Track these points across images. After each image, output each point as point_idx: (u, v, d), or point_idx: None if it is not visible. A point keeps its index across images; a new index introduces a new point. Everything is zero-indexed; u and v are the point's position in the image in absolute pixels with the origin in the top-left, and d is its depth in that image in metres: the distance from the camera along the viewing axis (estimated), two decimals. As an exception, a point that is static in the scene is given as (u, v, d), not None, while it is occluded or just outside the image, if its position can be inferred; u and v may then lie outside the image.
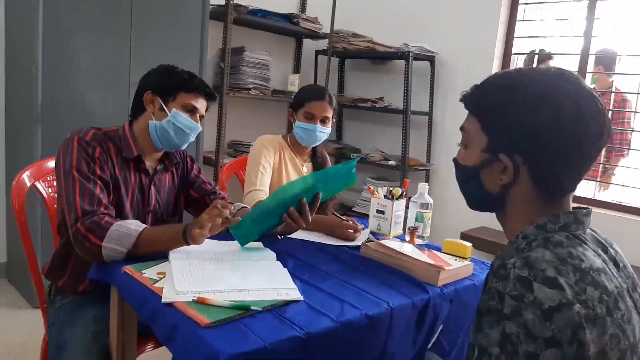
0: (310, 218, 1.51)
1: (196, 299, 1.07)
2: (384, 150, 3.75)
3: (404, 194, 1.82)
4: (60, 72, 2.48)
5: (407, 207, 1.83)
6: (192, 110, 1.53)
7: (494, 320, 0.73)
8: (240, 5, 3.22)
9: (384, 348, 1.20)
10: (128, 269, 1.23)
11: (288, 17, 3.53)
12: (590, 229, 0.88)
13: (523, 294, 0.71)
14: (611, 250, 0.86)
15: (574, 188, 0.86)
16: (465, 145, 0.91)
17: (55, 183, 1.67)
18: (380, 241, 1.55)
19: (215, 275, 1.21)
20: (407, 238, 1.71)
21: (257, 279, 1.22)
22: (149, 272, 1.21)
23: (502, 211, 0.90)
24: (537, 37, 3.38)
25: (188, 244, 1.34)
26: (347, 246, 1.62)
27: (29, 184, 1.60)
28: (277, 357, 0.97)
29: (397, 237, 1.78)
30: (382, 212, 1.79)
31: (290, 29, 3.58)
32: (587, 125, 0.79)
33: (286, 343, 0.99)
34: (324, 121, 1.92)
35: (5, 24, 2.68)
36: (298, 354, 1.00)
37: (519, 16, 3.34)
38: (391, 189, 1.81)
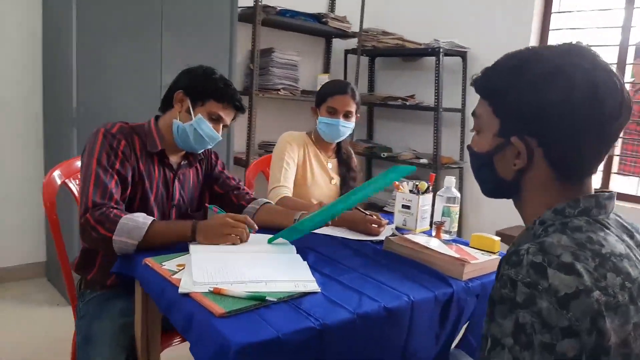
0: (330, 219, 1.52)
1: (212, 289, 1.07)
2: (415, 149, 3.70)
3: (430, 188, 1.78)
4: (93, 76, 2.55)
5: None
6: (217, 119, 1.54)
7: (507, 310, 0.69)
8: (269, 6, 3.24)
9: (405, 343, 1.16)
10: (149, 261, 1.24)
11: (317, 17, 3.53)
12: (614, 214, 0.83)
13: (537, 281, 0.67)
14: (638, 235, 0.81)
15: (593, 170, 0.81)
16: (478, 130, 0.88)
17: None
18: (405, 235, 1.52)
19: (234, 266, 1.21)
20: (434, 233, 1.67)
21: (275, 270, 1.21)
22: (169, 264, 1.22)
23: (519, 197, 0.87)
24: (574, 29, 3.26)
25: (195, 239, 1.36)
26: (371, 241, 1.59)
27: (59, 182, 1.65)
28: (291, 347, 0.95)
29: (423, 232, 1.74)
30: (408, 207, 1.75)
31: (319, 28, 3.58)
32: (603, 102, 0.74)
33: (301, 334, 0.97)
34: (347, 116, 1.90)
35: (42, 32, 2.79)
36: (313, 345, 0.98)
37: (554, 8, 3.24)
38: (417, 183, 1.77)
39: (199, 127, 1.51)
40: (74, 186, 1.72)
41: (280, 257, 1.33)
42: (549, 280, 0.67)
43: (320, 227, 1.56)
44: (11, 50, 2.73)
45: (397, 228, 1.75)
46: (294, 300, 1.09)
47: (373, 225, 1.65)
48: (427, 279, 1.29)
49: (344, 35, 3.74)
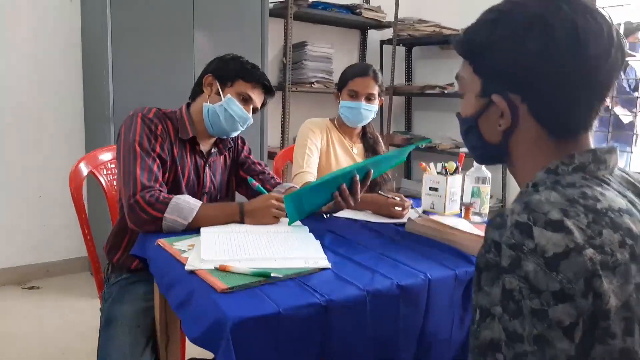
0: (359, 196, 1.46)
1: (218, 266, 1.05)
2: (455, 138, 3.58)
3: (459, 169, 1.69)
4: (128, 76, 2.61)
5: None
6: (246, 100, 1.53)
7: (494, 276, 0.62)
8: (301, -1, 3.22)
9: (423, 324, 1.10)
10: (161, 241, 1.23)
11: (350, 8, 3.48)
12: (622, 170, 0.74)
13: (522, 242, 0.60)
14: None
15: (588, 124, 0.73)
16: (462, 94, 0.82)
17: (111, 165, 1.77)
18: (432, 217, 1.45)
19: (243, 244, 1.18)
20: (463, 215, 1.59)
21: (286, 248, 1.18)
22: (180, 244, 1.21)
23: (510, 161, 0.79)
24: (622, 5, 3.05)
25: (244, 222, 1.37)
26: (394, 223, 1.53)
27: (86, 172, 1.69)
28: (293, 323, 0.91)
29: (455, 216, 1.66)
30: (436, 189, 1.67)
31: (353, 20, 3.52)
32: (586, 46, 0.66)
33: (303, 309, 0.93)
34: (369, 98, 1.84)
35: (81, 35, 2.89)
36: (317, 321, 0.94)
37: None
38: (445, 164, 1.69)
39: (229, 107, 1.50)
40: (102, 177, 1.76)
41: (292, 236, 1.29)
42: (534, 240, 0.60)
43: (328, 196, 1.48)
44: (54, 53, 2.84)
45: (424, 212, 1.68)
46: (302, 278, 1.04)
47: (397, 208, 1.59)
48: (448, 257, 1.22)
49: (379, 25, 3.68)
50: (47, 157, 2.89)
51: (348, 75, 1.87)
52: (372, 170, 1.48)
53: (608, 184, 0.68)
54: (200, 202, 1.37)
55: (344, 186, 1.42)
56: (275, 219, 1.39)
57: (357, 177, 1.44)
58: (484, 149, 0.81)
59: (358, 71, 1.85)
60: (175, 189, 1.50)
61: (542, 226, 0.60)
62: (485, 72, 0.75)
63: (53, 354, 2.18)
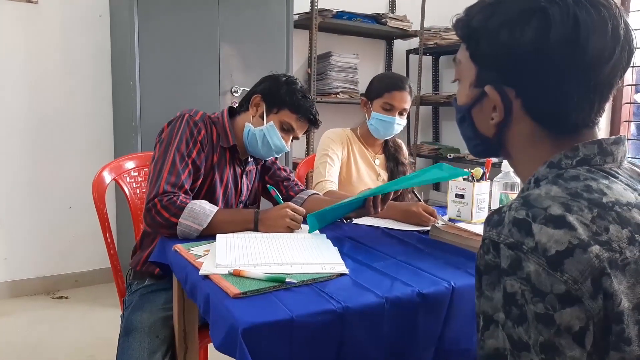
0: (381, 207, 1.43)
1: (232, 271, 1.02)
2: (485, 148, 3.49)
3: (486, 175, 1.63)
4: (155, 87, 2.65)
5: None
6: (288, 130, 1.51)
7: (494, 279, 0.57)
8: (325, 10, 3.22)
9: (442, 332, 1.04)
10: (178, 247, 1.22)
11: (375, 18, 3.46)
12: (632, 163, 0.68)
13: (521, 240, 0.55)
14: None
15: (590, 122, 0.67)
16: (458, 79, 0.77)
17: (134, 173, 1.79)
18: (459, 224, 1.39)
19: (259, 250, 1.16)
20: (490, 223, 1.52)
21: (303, 254, 1.14)
22: (196, 250, 1.19)
23: (509, 156, 0.75)
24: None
25: (257, 230, 1.35)
26: (417, 231, 1.47)
27: (108, 180, 1.70)
28: (307, 330, 0.87)
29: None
30: (462, 196, 1.61)
31: (378, 29, 3.50)
32: (586, 41, 0.61)
33: (318, 316, 0.89)
34: (402, 113, 1.81)
35: (110, 47, 2.95)
36: (332, 328, 0.90)
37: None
38: (471, 170, 1.63)
39: (269, 135, 1.48)
40: (125, 185, 1.77)
41: (309, 241, 1.25)
42: (535, 237, 0.55)
43: (352, 209, 1.45)
44: (84, 66, 2.91)
45: (450, 220, 1.62)
46: (318, 284, 1.01)
47: (427, 215, 1.52)
48: (474, 266, 1.16)
49: (405, 35, 3.64)
50: (77, 168, 2.95)
51: (384, 87, 1.82)
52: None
53: (616, 177, 0.63)
54: (217, 208, 1.35)
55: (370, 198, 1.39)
56: (289, 229, 1.35)
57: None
58: (478, 141, 0.77)
59: (396, 84, 1.80)
60: (209, 195, 1.50)
61: (542, 222, 0.55)
62: (479, 60, 0.71)
63: (78, 364, 2.19)
